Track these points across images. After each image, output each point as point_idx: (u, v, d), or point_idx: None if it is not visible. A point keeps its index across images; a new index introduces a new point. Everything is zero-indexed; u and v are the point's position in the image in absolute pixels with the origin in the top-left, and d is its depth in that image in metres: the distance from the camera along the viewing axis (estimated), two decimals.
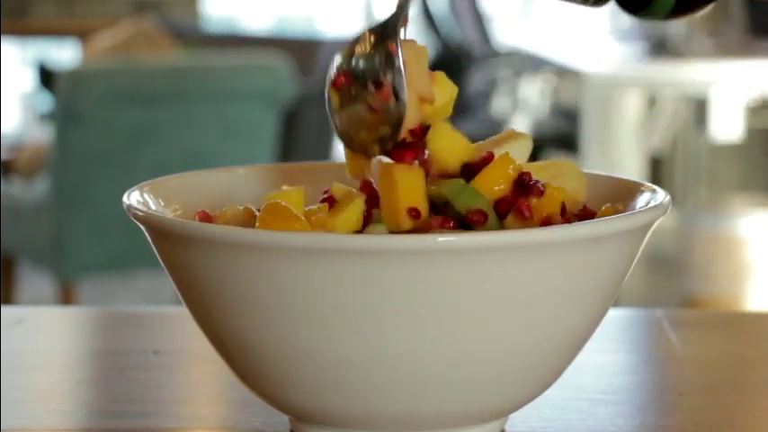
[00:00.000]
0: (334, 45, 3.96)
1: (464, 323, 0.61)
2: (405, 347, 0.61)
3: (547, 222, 0.65)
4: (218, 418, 0.76)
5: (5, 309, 0.95)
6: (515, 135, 0.70)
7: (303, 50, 3.99)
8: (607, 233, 0.62)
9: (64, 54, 5.35)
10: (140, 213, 0.65)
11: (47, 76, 3.84)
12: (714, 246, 3.40)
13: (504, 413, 0.67)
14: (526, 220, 0.65)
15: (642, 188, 0.70)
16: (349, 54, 0.68)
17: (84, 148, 2.92)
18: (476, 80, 4.47)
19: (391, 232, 0.65)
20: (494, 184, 0.66)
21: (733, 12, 3.90)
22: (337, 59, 0.68)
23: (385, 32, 0.67)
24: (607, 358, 0.84)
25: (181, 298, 0.66)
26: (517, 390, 0.65)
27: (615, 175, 0.72)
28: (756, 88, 3.41)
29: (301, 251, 0.59)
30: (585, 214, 0.69)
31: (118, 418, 0.73)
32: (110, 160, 2.94)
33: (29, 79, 5.17)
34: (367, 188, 0.68)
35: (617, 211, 0.69)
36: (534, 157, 0.71)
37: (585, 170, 0.72)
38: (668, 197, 0.68)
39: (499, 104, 4.41)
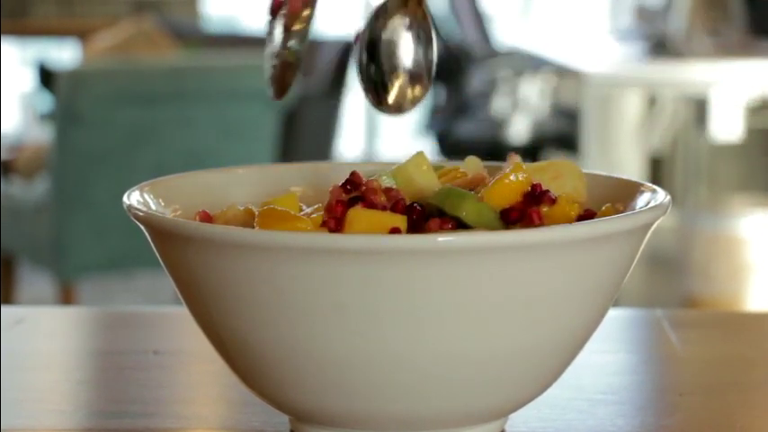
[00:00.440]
0: (334, 45, 3.96)
1: (464, 323, 0.61)
2: (405, 347, 0.61)
3: None
4: (218, 418, 0.76)
5: (5, 309, 0.95)
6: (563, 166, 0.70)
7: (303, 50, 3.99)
8: (607, 233, 0.62)
9: (64, 54, 5.35)
10: (140, 213, 0.65)
11: (47, 76, 3.83)
12: (714, 246, 3.40)
13: (504, 413, 0.67)
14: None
15: (642, 188, 0.70)
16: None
17: (84, 148, 2.92)
18: (476, 80, 4.47)
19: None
20: (506, 195, 0.66)
21: (733, 12, 3.90)
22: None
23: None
24: (607, 358, 0.84)
25: (181, 298, 0.66)
26: (517, 390, 0.65)
27: (615, 175, 0.72)
28: (756, 88, 3.41)
29: (301, 251, 0.59)
30: (585, 214, 0.69)
31: (118, 418, 0.73)
32: (110, 160, 2.94)
33: (29, 79, 5.17)
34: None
35: (617, 211, 0.69)
36: (534, 157, 0.71)
37: (585, 170, 0.72)
38: (668, 197, 0.68)
39: (499, 104, 4.41)
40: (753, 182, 4.28)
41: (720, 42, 3.69)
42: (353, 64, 0.69)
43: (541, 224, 0.65)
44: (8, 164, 3.49)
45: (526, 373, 0.64)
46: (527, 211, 0.65)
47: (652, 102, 3.90)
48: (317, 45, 4.08)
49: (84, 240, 2.97)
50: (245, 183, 0.76)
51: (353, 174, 0.68)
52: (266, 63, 0.69)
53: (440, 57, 0.70)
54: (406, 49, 0.69)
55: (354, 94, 5.14)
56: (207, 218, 0.69)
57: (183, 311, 0.69)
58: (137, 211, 0.66)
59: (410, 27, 0.69)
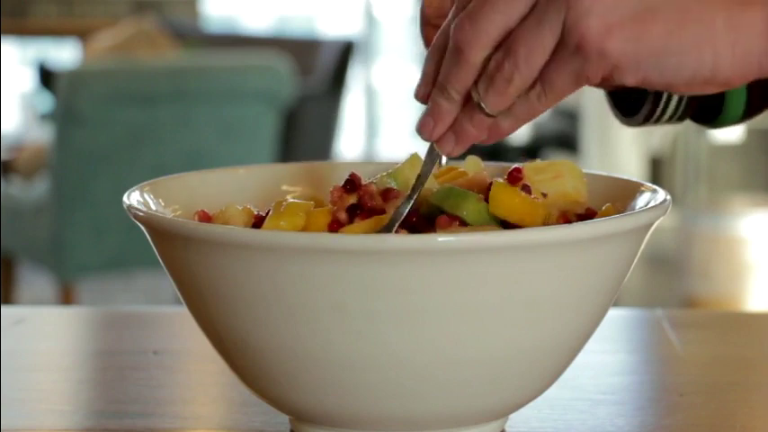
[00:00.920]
0: (334, 45, 3.96)
1: (464, 323, 0.61)
2: (404, 347, 0.61)
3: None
4: (218, 418, 0.76)
5: (5, 309, 0.95)
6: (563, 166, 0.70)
7: (303, 50, 3.99)
8: (607, 233, 0.62)
9: (64, 54, 5.36)
10: (140, 213, 0.65)
11: (47, 76, 3.84)
12: (714, 246, 3.40)
13: (504, 413, 0.67)
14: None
15: (642, 188, 0.70)
16: None
17: (84, 148, 2.92)
18: None
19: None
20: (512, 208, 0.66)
21: None
22: None
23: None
24: (607, 358, 0.84)
25: (181, 298, 0.66)
26: (517, 390, 0.65)
27: (615, 175, 0.72)
28: None
29: (301, 251, 0.59)
30: (586, 214, 0.69)
31: (118, 418, 0.73)
32: (110, 160, 2.94)
33: (29, 79, 5.18)
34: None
35: (617, 211, 0.69)
36: (534, 157, 0.71)
37: (585, 170, 0.72)
38: (668, 197, 0.68)
39: None
40: (753, 182, 4.28)
41: None
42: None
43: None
44: (8, 164, 3.49)
45: (526, 373, 0.64)
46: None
47: None
48: (317, 45, 4.08)
49: (84, 240, 2.97)
50: (245, 183, 0.76)
51: (352, 175, 0.68)
52: None
53: None
54: None
55: (354, 94, 5.13)
56: (206, 218, 0.69)
57: (183, 311, 0.69)
58: (137, 211, 0.66)
59: None
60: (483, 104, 0.60)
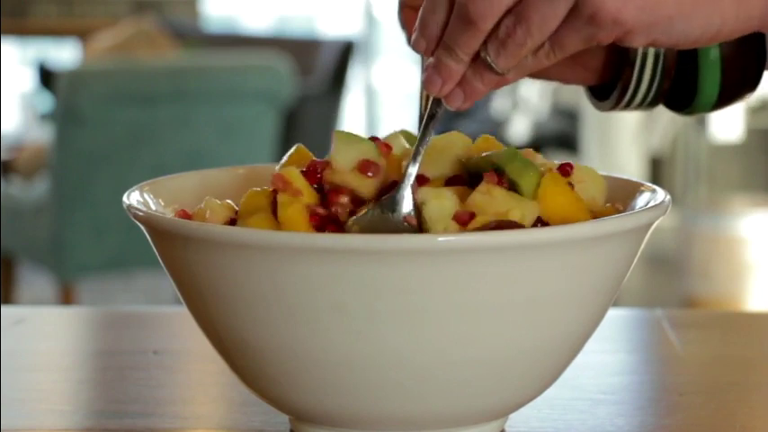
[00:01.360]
0: (334, 45, 3.96)
1: (464, 323, 0.61)
2: (404, 347, 0.61)
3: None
4: (218, 418, 0.76)
5: (5, 309, 0.95)
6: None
7: (303, 50, 4.00)
8: (607, 233, 0.62)
9: (64, 54, 5.35)
10: (140, 213, 0.65)
11: (47, 76, 3.84)
12: (714, 246, 3.40)
13: (504, 413, 0.67)
14: None
15: (642, 188, 0.70)
16: (357, 221, 0.65)
17: (85, 148, 2.92)
18: None
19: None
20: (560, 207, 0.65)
21: None
22: None
23: (395, 200, 0.65)
24: (607, 358, 0.84)
25: (181, 298, 0.66)
26: (517, 390, 0.65)
27: (615, 174, 0.72)
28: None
29: (301, 251, 0.59)
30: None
31: (118, 418, 0.73)
32: (110, 160, 2.94)
33: (29, 79, 5.18)
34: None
35: (617, 211, 0.69)
36: None
37: None
38: (668, 197, 0.68)
39: (499, 104, 4.41)
40: (753, 182, 4.28)
41: None
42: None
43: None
44: (8, 164, 3.49)
45: (526, 373, 0.64)
46: None
47: None
48: (317, 45, 4.08)
49: (84, 240, 2.97)
50: (244, 183, 0.76)
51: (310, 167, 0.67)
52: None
53: None
54: None
55: (354, 94, 5.14)
56: (186, 216, 0.69)
57: (183, 311, 0.69)
58: (137, 211, 0.66)
59: None
60: (493, 65, 0.62)
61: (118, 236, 2.97)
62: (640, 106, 0.77)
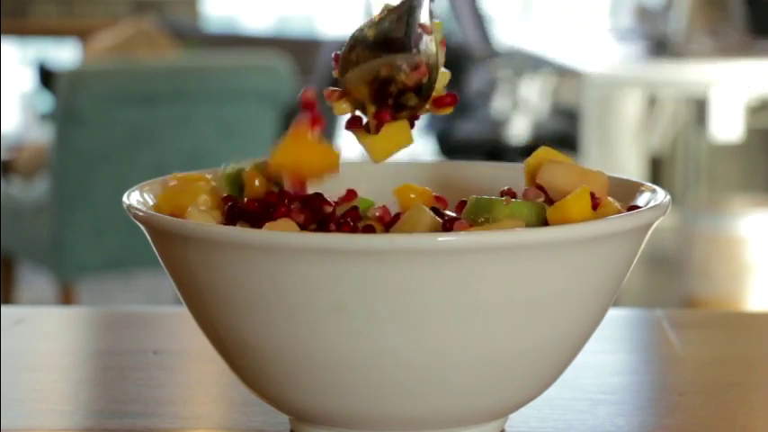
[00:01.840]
0: (334, 45, 3.96)
1: (464, 323, 0.61)
2: (404, 347, 0.61)
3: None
4: (218, 418, 0.76)
5: (5, 309, 0.95)
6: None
7: (303, 50, 3.99)
8: (607, 233, 0.62)
9: (64, 54, 5.35)
10: (140, 213, 0.65)
11: (47, 76, 3.84)
12: (714, 246, 3.40)
13: (504, 413, 0.67)
14: None
15: (642, 188, 0.70)
16: (374, 24, 0.67)
17: (85, 148, 2.92)
18: (476, 80, 4.47)
19: None
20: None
21: (733, 12, 3.90)
22: (361, 28, 0.67)
23: (411, 7, 0.66)
24: (607, 358, 0.84)
25: (181, 298, 0.66)
26: (517, 390, 0.65)
27: (615, 175, 0.72)
28: (756, 88, 3.41)
29: (301, 251, 0.59)
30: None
31: (118, 418, 0.73)
32: (110, 160, 2.94)
33: (29, 79, 5.17)
34: None
35: (617, 211, 0.69)
36: None
37: None
38: (668, 197, 0.68)
39: (499, 104, 4.41)
40: (753, 182, 4.28)
41: (720, 42, 3.69)
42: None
43: None
44: (8, 164, 3.49)
45: (526, 373, 0.64)
46: None
47: (652, 102, 3.90)
48: (317, 45, 4.08)
49: (84, 240, 2.97)
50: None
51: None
52: None
53: None
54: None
55: None
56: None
57: (183, 311, 0.69)
58: (137, 211, 0.66)
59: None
60: None
61: (118, 236, 2.97)
62: None
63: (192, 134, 3.02)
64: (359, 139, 0.68)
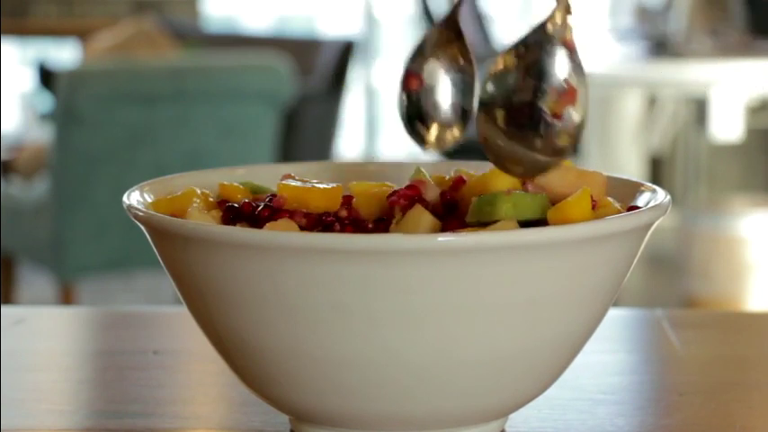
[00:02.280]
0: (334, 45, 3.96)
1: (464, 323, 0.61)
2: (404, 347, 0.61)
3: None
4: (218, 418, 0.76)
5: (5, 309, 0.95)
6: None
7: (303, 50, 3.99)
8: (607, 233, 0.62)
9: (64, 54, 5.35)
10: (140, 213, 0.65)
11: (47, 76, 3.84)
12: (714, 246, 3.40)
13: (504, 413, 0.67)
14: None
15: (642, 188, 0.70)
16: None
17: (85, 148, 2.92)
18: (476, 80, 4.46)
19: None
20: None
21: (733, 12, 3.90)
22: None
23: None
24: (607, 358, 0.84)
25: (181, 298, 0.66)
26: (517, 390, 0.65)
27: (615, 175, 0.72)
28: (756, 88, 3.41)
29: (301, 251, 0.59)
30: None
31: (118, 418, 0.73)
32: (110, 160, 2.94)
33: (29, 79, 5.18)
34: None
35: (617, 212, 0.69)
36: None
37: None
38: (668, 197, 0.68)
39: None
40: (753, 182, 4.28)
41: (720, 42, 3.69)
42: (396, 104, 0.70)
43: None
44: (8, 164, 3.49)
45: (526, 373, 0.64)
46: None
47: (652, 102, 3.90)
48: (317, 45, 4.08)
49: (84, 240, 2.97)
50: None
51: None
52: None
53: None
54: (444, 96, 0.70)
55: (354, 94, 5.13)
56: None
57: (183, 311, 0.69)
58: (137, 211, 0.66)
59: (449, 71, 0.70)
60: None
61: (118, 236, 2.97)
62: None
63: (192, 134, 3.02)
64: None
